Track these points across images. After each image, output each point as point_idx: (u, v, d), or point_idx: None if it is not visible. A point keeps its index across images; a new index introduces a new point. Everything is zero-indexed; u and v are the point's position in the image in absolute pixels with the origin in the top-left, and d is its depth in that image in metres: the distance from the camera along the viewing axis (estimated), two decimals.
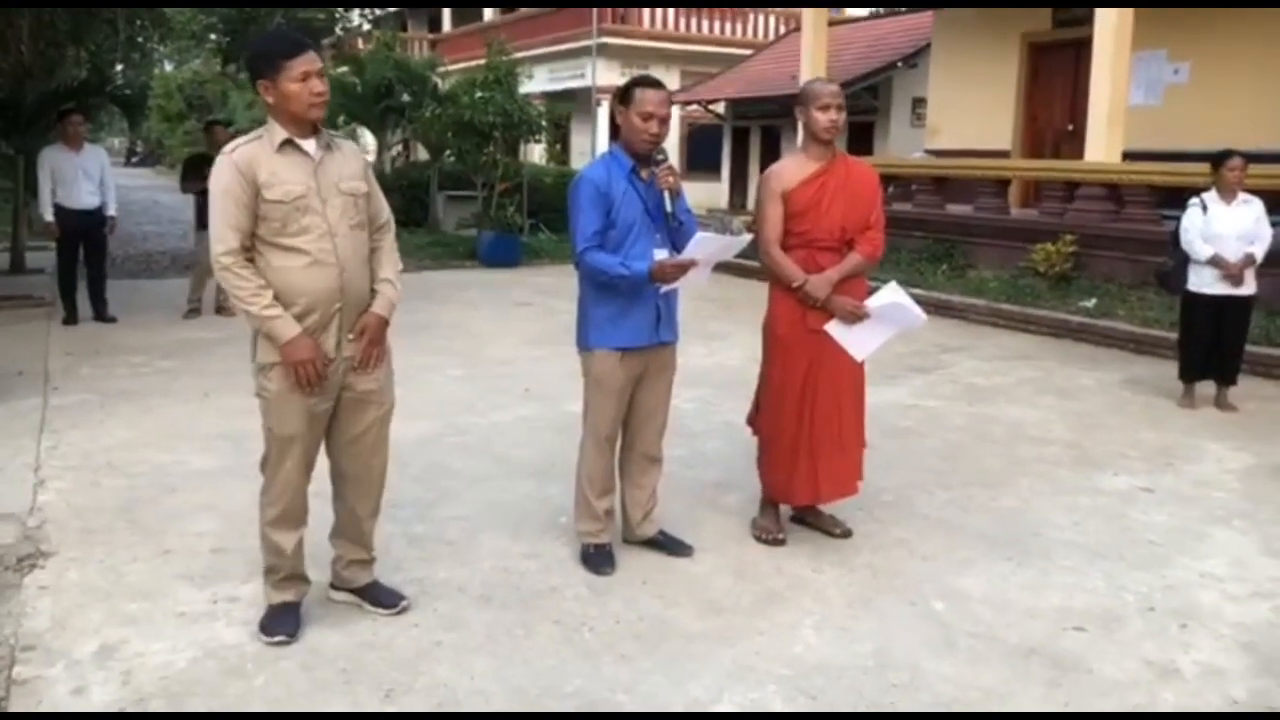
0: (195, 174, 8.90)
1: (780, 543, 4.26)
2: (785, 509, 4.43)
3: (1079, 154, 11.94)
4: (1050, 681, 3.19)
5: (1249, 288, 6.29)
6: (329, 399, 3.35)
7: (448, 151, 16.13)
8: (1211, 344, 6.42)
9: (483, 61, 15.17)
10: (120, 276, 11.89)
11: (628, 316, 3.89)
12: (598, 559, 4.02)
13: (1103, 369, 7.84)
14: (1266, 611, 3.71)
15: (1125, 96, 10.20)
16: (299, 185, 3.20)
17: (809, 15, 14.31)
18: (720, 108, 22.40)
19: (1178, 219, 6.51)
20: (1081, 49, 12.43)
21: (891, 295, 4.09)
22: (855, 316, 4.08)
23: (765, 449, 4.32)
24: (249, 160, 3.18)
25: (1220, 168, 6.30)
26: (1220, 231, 6.24)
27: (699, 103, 22.19)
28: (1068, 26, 12.81)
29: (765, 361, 4.28)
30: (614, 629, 3.48)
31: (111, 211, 9.34)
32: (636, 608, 3.64)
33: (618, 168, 3.86)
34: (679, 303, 4.07)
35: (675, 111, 24.90)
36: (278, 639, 3.28)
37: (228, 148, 3.25)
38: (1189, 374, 6.57)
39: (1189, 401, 6.56)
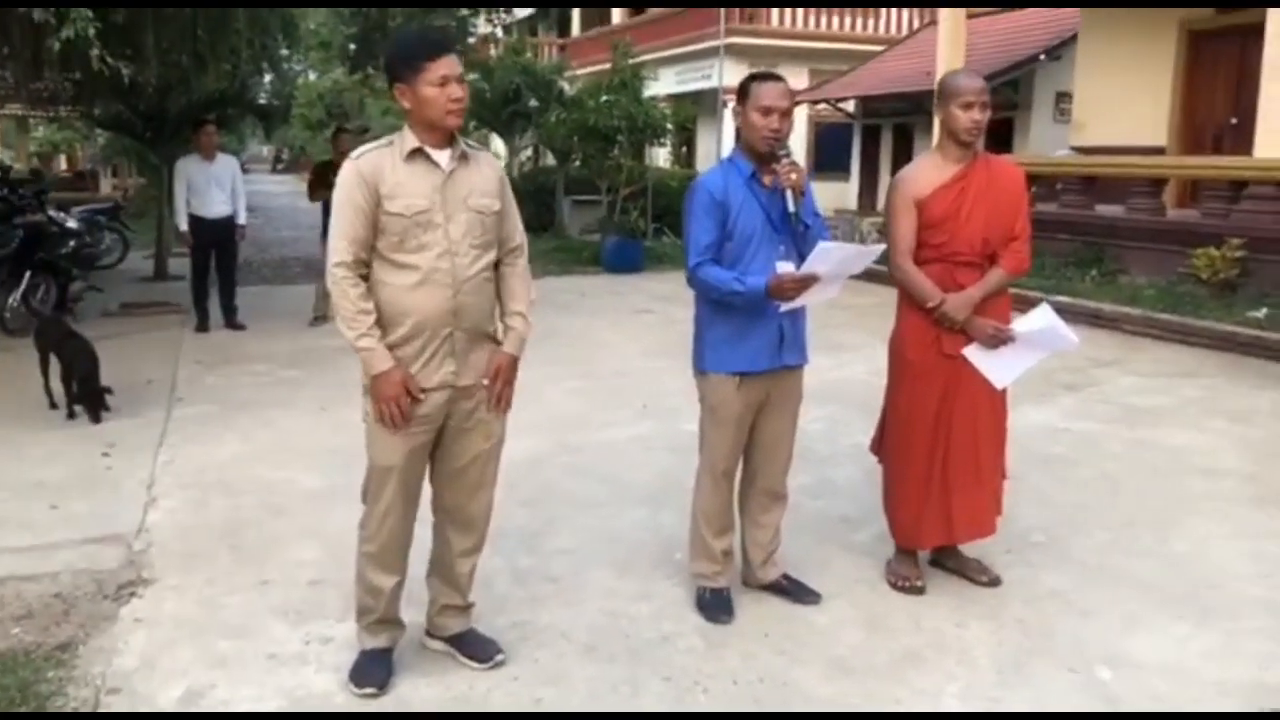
0: (321, 181, 8.94)
1: (919, 591, 3.84)
2: (924, 551, 4.00)
3: (1245, 150, 10.98)
4: None
5: None
6: (431, 428, 3.11)
7: (574, 156, 16.02)
8: None
9: (608, 65, 15.00)
10: (255, 282, 12.18)
11: (746, 337, 3.54)
12: (715, 605, 3.68)
13: (1277, 388, 7.07)
14: None
15: None
16: (423, 199, 2.98)
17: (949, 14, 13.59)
18: (849, 106, 21.74)
19: None
20: (1248, 35, 11.47)
21: (1043, 318, 3.63)
22: (999, 341, 3.63)
23: (892, 484, 3.91)
24: (374, 168, 2.97)
25: None
26: None
27: (828, 101, 21.57)
28: (1233, 9, 11.80)
29: (892, 386, 3.86)
30: (730, 690, 3.14)
31: (241, 220, 9.48)
32: (756, 665, 3.29)
33: (735, 174, 3.52)
34: (806, 320, 3.69)
35: (802, 111, 24.62)
36: (366, 691, 3.06)
37: (355, 153, 3.04)
38: None
39: None
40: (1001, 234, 3.68)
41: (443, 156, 3.03)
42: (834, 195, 22.86)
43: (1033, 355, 3.69)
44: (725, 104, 21.44)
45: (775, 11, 23.51)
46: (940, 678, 3.22)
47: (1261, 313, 8.68)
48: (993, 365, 3.67)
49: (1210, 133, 12.32)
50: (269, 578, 3.93)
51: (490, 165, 3.17)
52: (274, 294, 11.72)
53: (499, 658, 3.25)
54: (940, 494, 3.76)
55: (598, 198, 15.87)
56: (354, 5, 16.09)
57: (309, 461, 5.36)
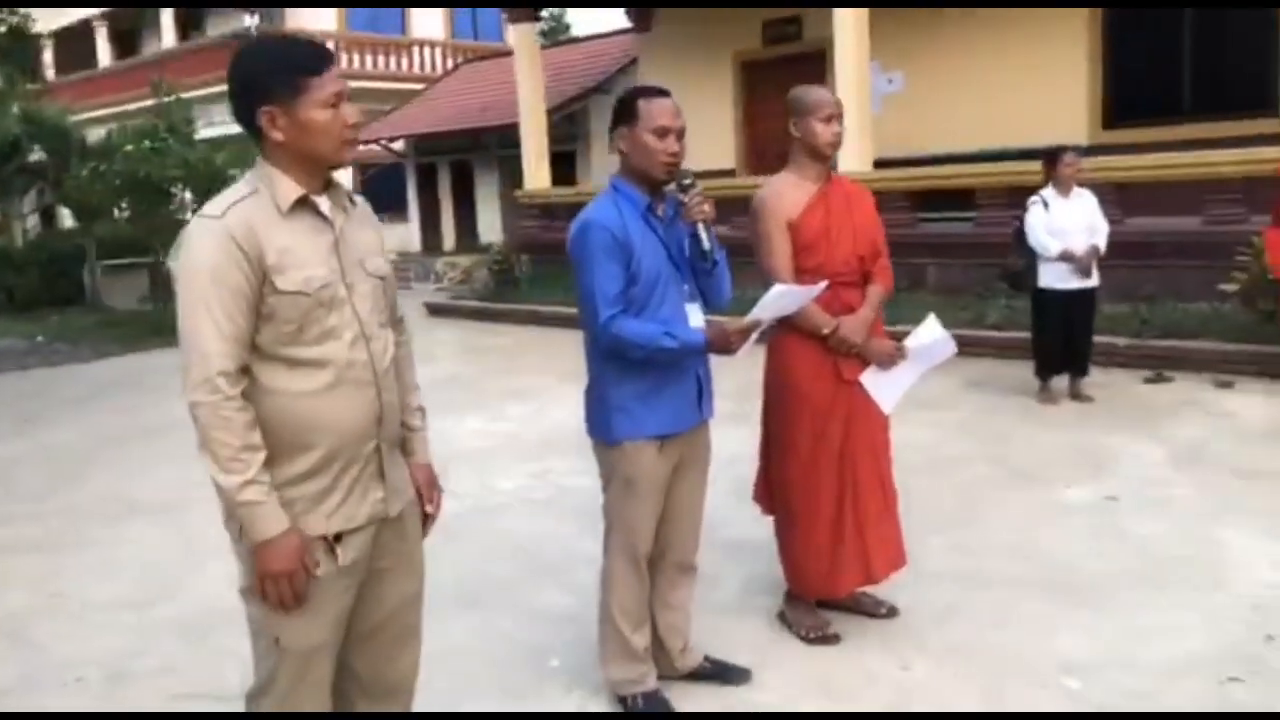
0: None
1: (835, 639, 3.54)
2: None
3: None
4: None
5: (1094, 280, 6.40)
6: (356, 582, 2.27)
7: (109, 215, 13.79)
8: (1065, 338, 6.47)
9: (145, 104, 13.12)
10: None
11: (663, 393, 3.00)
12: (652, 708, 3.10)
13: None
14: None
15: (869, 106, 10.42)
16: (321, 267, 2.13)
17: (521, 38, 13.61)
18: (398, 145, 21.15)
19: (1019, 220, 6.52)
20: (795, 65, 12.77)
21: (932, 330, 3.50)
22: (893, 360, 3.45)
23: (796, 534, 3.55)
24: (248, 228, 2.06)
25: (1056, 164, 6.36)
26: (1065, 226, 6.29)
27: (379, 141, 20.82)
28: (779, 44, 13.10)
29: (785, 425, 3.51)
30: None
31: None
32: None
33: (629, 206, 2.97)
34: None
35: None
36: None
37: (209, 206, 2.11)
38: (1047, 370, 6.59)
39: (1048, 397, 6.58)
40: (871, 250, 3.50)
41: (325, 205, 2.21)
42: (395, 238, 22.16)
43: (916, 372, 3.54)
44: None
45: None
46: None
47: None
48: (884, 387, 3.47)
49: (773, 154, 13.52)
50: None
51: (365, 211, 2.36)
52: None
53: None
54: (854, 533, 3.48)
55: (141, 260, 13.84)
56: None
57: None
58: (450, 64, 24.20)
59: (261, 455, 2.07)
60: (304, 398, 2.12)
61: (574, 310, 11.37)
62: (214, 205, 2.12)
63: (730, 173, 13.56)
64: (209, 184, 12.84)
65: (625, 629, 3.12)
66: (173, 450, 6.73)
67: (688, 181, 2.97)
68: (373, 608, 2.33)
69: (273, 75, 2.10)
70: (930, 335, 3.48)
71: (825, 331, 3.36)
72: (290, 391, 2.11)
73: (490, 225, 19.47)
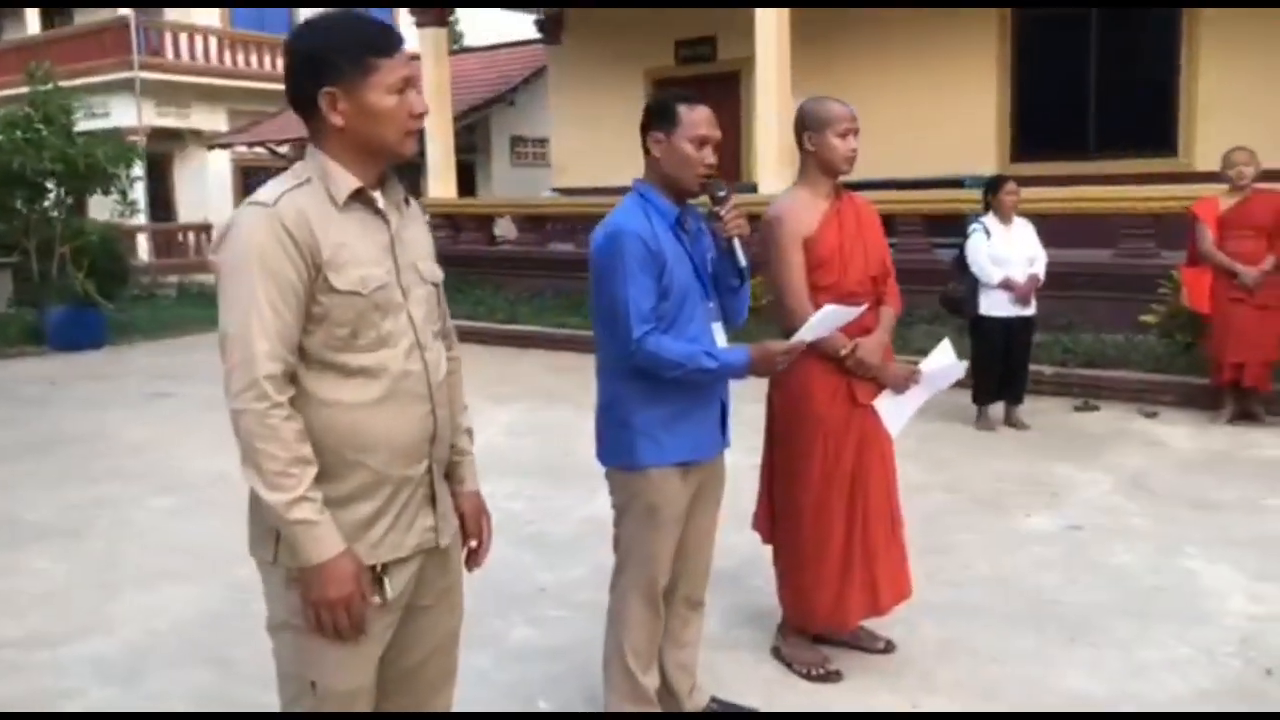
0: None
1: (838, 676, 3.39)
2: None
3: None
4: None
5: (1032, 308, 6.49)
6: (396, 619, 2.03)
7: None
8: (1004, 365, 6.53)
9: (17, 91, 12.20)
10: None
11: (689, 418, 2.82)
12: None
13: None
14: None
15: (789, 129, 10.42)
16: (378, 267, 1.90)
17: (429, 44, 13.21)
18: (285, 148, 20.33)
19: (955, 246, 6.57)
20: (707, 84, 12.77)
21: (946, 354, 3.41)
22: (908, 384, 3.34)
23: (803, 565, 3.39)
24: (302, 219, 1.82)
25: (998, 193, 6.43)
26: (1006, 255, 6.36)
27: (265, 144, 19.98)
28: (692, 63, 13.08)
29: (798, 450, 3.35)
30: None
31: None
32: None
33: (658, 217, 2.77)
34: None
35: (224, 155, 22.55)
36: None
37: (261, 195, 1.86)
38: (985, 397, 6.64)
39: (986, 424, 6.63)
40: (882, 270, 3.41)
41: (381, 201, 1.97)
42: None
43: (925, 396, 3.44)
44: (135, 144, 18.82)
45: (185, 47, 21.29)
46: None
47: None
48: (895, 412, 3.36)
49: None
50: None
51: (417, 210, 2.13)
52: None
53: None
54: (863, 561, 3.34)
55: (6, 260, 12.80)
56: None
57: None
58: None
59: (313, 470, 1.82)
60: (355, 409, 1.88)
61: (487, 325, 11.24)
62: (264, 192, 1.87)
63: None
64: (86, 182, 12.02)
65: (637, 669, 2.91)
66: (66, 468, 6.22)
67: (723, 194, 2.80)
68: (410, 649, 2.09)
69: (341, 53, 1.86)
70: (944, 359, 3.39)
71: (843, 353, 3.22)
72: (340, 402, 1.87)
73: None
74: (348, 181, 1.89)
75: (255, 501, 1.90)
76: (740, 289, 2.89)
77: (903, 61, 10.94)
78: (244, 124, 21.01)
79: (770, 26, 10.15)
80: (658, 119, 2.77)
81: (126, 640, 3.78)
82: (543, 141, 16.60)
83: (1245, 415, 6.52)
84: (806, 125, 3.33)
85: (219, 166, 22.11)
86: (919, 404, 3.43)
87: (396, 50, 1.90)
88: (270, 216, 1.80)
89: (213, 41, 21.95)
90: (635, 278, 2.67)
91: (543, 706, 3.25)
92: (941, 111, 10.69)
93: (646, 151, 2.81)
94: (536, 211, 13.46)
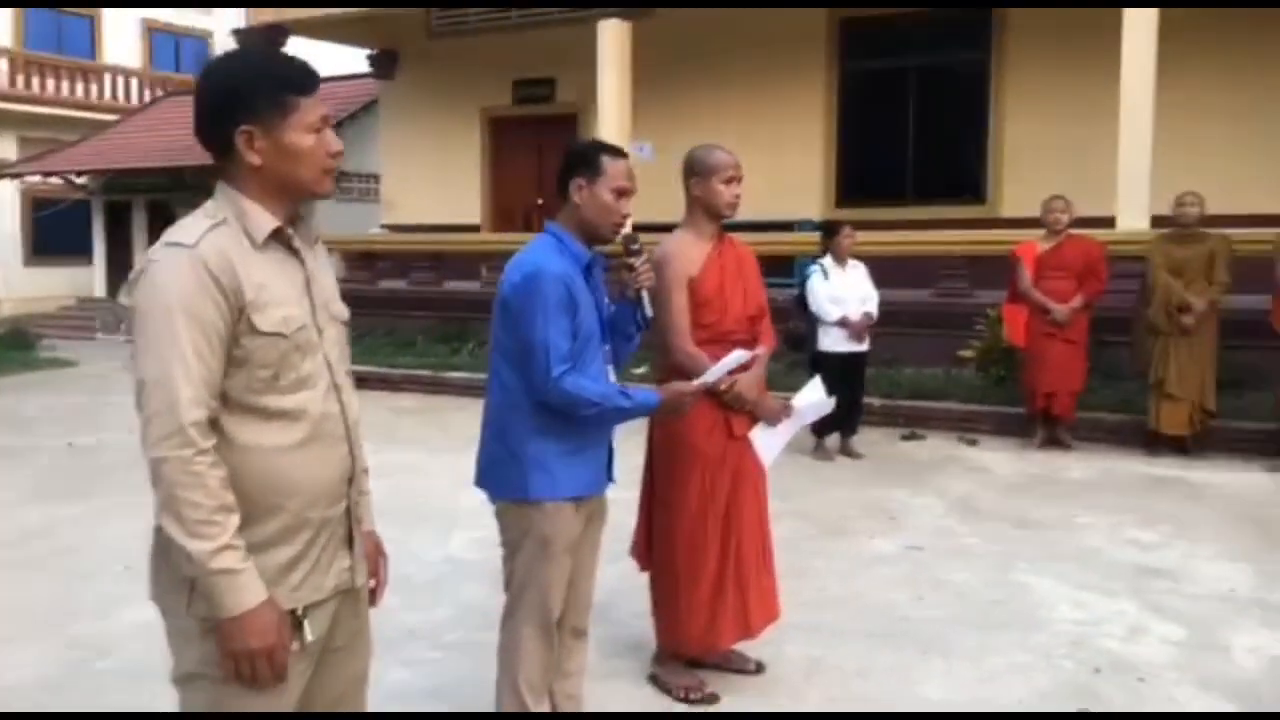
0: None
1: (714, 698, 3.52)
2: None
3: None
4: None
5: (866, 344, 6.89)
6: (314, 660, 2.00)
7: None
8: (840, 399, 6.88)
9: None
10: None
11: (582, 454, 2.90)
12: None
13: None
14: (1176, 631, 3.94)
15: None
16: (297, 307, 1.90)
17: None
18: (81, 180, 19.20)
19: (788, 285, 6.92)
20: (545, 125, 12.94)
21: (817, 390, 3.64)
22: (780, 418, 3.53)
23: (679, 589, 3.51)
24: (226, 260, 1.79)
25: (836, 236, 6.82)
26: (842, 295, 6.75)
27: (62, 174, 18.82)
28: (530, 103, 13.21)
29: (677, 481, 3.48)
30: None
31: None
32: None
33: (571, 261, 2.85)
34: None
35: (12, 186, 21.04)
36: None
37: (177, 234, 1.82)
38: (823, 428, 6.96)
39: (824, 454, 6.97)
40: (759, 310, 3.60)
41: (296, 240, 1.98)
42: (73, 283, 20.03)
43: (794, 429, 3.65)
44: None
45: None
46: None
47: None
48: (768, 443, 3.55)
49: (520, 212, 13.54)
50: None
51: (323, 249, 2.13)
52: None
53: None
54: (736, 587, 3.50)
55: None
56: None
57: None
58: (148, 95, 22.42)
59: (236, 517, 1.79)
60: (276, 454, 1.86)
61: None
62: (182, 233, 1.83)
63: (475, 228, 13.44)
64: None
65: (529, 701, 2.94)
66: None
67: (636, 246, 2.92)
68: (324, 690, 2.06)
69: (258, 91, 1.86)
70: (813, 395, 3.61)
71: (723, 388, 3.37)
72: (262, 447, 1.85)
73: None
74: (267, 221, 1.88)
75: (164, 550, 1.85)
76: (634, 337, 3.01)
77: (740, 110, 11.41)
78: (37, 152, 19.74)
79: (611, 72, 10.42)
80: (582, 166, 2.86)
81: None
82: (370, 177, 16.35)
83: (1054, 441, 7.12)
84: (694, 171, 3.50)
85: (6, 196, 20.61)
86: (789, 436, 3.64)
87: (314, 89, 1.91)
88: (193, 258, 1.77)
89: (3, 63, 20.55)
90: (555, 319, 2.73)
91: None
92: (774, 159, 11.20)
93: (563, 196, 2.90)
94: (366, 248, 13.24)
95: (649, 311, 2.92)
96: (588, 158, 2.86)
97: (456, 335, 11.16)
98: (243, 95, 1.85)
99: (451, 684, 3.62)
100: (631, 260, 2.89)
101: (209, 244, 1.80)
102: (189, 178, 17.85)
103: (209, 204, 1.92)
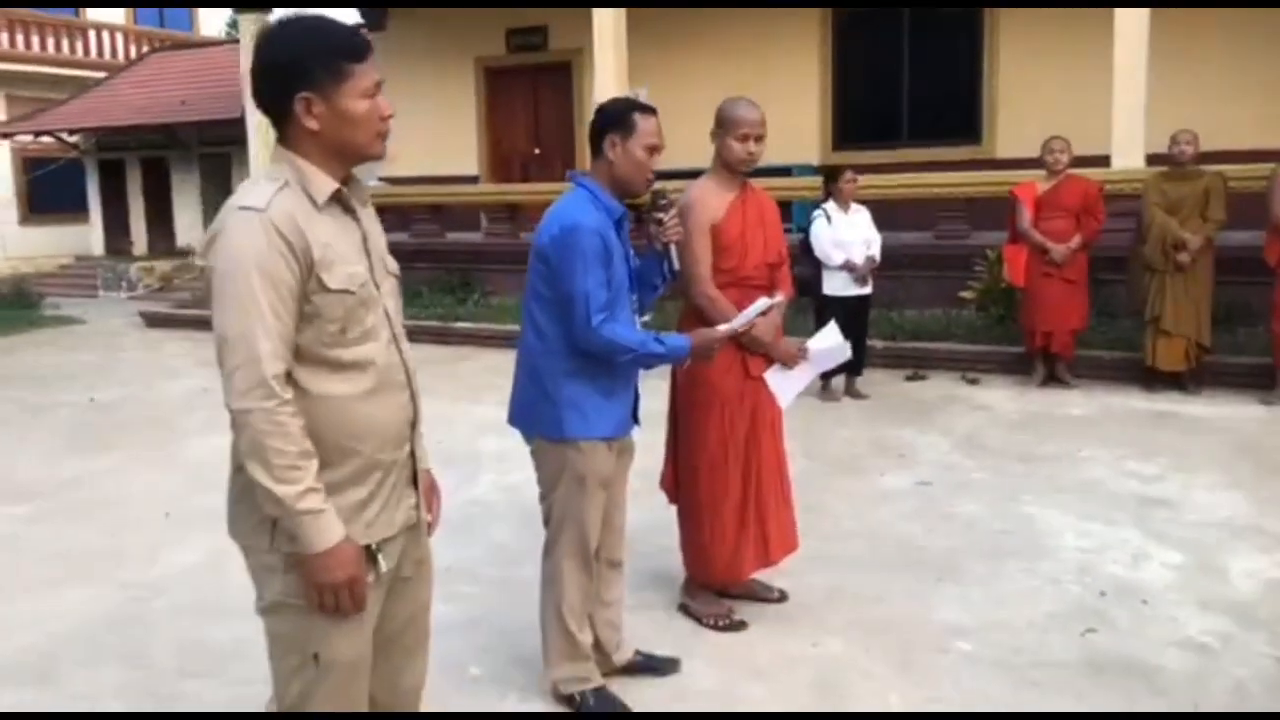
0: None
1: (742, 625, 3.72)
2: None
3: (550, 176, 12.39)
4: (1157, 690, 3.20)
5: (869, 287, 7.03)
6: (385, 591, 2.18)
7: None
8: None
9: None
10: None
11: (613, 397, 3.08)
12: (604, 704, 3.14)
13: None
14: (1176, 556, 4.14)
15: None
16: (359, 264, 2.04)
17: (248, 30, 12.74)
18: (75, 138, 19.08)
19: (786, 230, 7.02)
20: (539, 73, 12.93)
21: (833, 335, 3.77)
22: (796, 360, 3.68)
23: (703, 521, 3.69)
24: (294, 222, 1.91)
25: (838, 180, 6.92)
26: (846, 239, 6.87)
27: (52, 132, 18.70)
28: (524, 51, 13.18)
29: (697, 419, 3.65)
30: None
31: None
32: None
33: (605, 216, 2.98)
34: None
35: (4, 146, 20.89)
36: None
37: (248, 199, 1.93)
38: (830, 371, 7.12)
39: (830, 396, 7.14)
40: (778, 258, 3.72)
41: (352, 200, 2.11)
42: (71, 242, 20.01)
43: (812, 373, 3.80)
44: None
45: None
46: (875, 701, 3.18)
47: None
48: (784, 385, 3.70)
49: (517, 162, 13.57)
50: None
51: (370, 207, 2.25)
52: None
53: None
54: (756, 519, 3.68)
55: None
56: None
57: None
58: (133, 52, 22.20)
59: (315, 462, 1.94)
60: (348, 402, 2.00)
61: None
62: (251, 196, 1.94)
63: (474, 179, 13.47)
64: None
65: (575, 628, 3.14)
66: None
67: (665, 201, 3.06)
68: (392, 617, 2.23)
69: (315, 59, 1.95)
70: (829, 340, 3.74)
71: (739, 329, 3.52)
72: (334, 395, 1.99)
73: (190, 226, 18.04)
74: (327, 183, 1.99)
75: (245, 492, 1.98)
76: (659, 287, 3.15)
77: (736, 56, 11.44)
78: (26, 111, 19.60)
79: (607, 17, 10.41)
80: (614, 124, 2.99)
81: (26, 645, 3.68)
82: None
83: (1054, 379, 7.29)
84: (717, 123, 3.62)
85: None
86: (807, 380, 3.79)
87: (368, 55, 2.01)
88: (264, 221, 1.88)
89: None
90: (593, 270, 2.88)
91: (474, 673, 3.41)
92: (770, 104, 11.17)
93: (597, 152, 3.02)
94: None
95: (675, 264, 3.06)
96: (621, 116, 2.99)
97: (461, 285, 11.26)
98: (301, 63, 1.95)
99: (489, 615, 3.82)
100: (660, 215, 3.03)
101: (278, 207, 1.91)
102: (181, 134, 17.83)
103: (269, 167, 2.03)
